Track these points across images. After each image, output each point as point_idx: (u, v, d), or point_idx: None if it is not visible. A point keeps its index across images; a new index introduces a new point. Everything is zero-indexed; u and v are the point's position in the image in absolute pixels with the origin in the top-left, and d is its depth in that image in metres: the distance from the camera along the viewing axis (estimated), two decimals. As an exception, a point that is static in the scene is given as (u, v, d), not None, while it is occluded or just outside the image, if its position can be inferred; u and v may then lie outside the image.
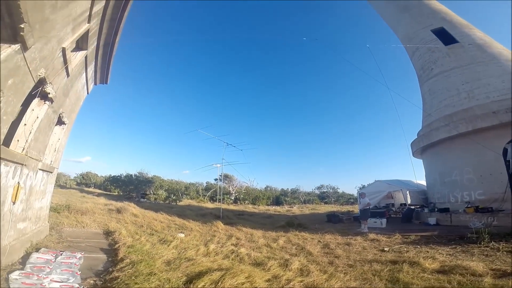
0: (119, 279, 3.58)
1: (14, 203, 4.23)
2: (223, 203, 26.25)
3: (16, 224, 4.51)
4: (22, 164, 4.33)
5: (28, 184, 4.88)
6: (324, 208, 27.98)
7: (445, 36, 14.40)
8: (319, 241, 8.06)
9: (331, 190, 46.00)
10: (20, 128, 4.52)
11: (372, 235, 8.42)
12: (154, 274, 3.74)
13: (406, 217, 13.05)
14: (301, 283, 3.97)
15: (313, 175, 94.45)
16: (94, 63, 7.39)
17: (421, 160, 15.45)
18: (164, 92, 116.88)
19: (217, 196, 30.57)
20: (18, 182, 4.31)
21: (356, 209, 21.17)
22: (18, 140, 4.45)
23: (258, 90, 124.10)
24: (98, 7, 5.31)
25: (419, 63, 15.96)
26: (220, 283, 3.51)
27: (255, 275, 4.03)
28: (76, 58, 5.81)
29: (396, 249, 6.61)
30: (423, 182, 15.65)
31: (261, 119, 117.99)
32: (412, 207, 14.07)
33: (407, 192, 14.80)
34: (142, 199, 25.88)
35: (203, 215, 14.93)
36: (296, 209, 27.20)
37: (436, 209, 11.87)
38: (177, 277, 3.74)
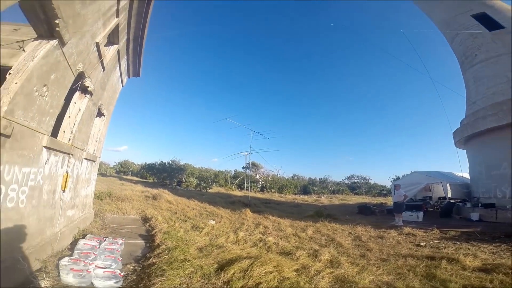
0: (156, 265, 3.79)
1: (63, 191, 4.65)
2: (250, 191, 26.68)
3: (66, 211, 4.96)
4: (69, 154, 4.72)
5: (75, 172, 5.32)
6: (354, 199, 27.18)
7: (487, 22, 13.10)
8: (350, 233, 7.86)
9: (362, 181, 44.28)
10: (65, 120, 4.93)
11: (407, 229, 7.99)
12: (188, 260, 3.91)
13: (445, 212, 12.17)
14: (331, 275, 3.90)
15: (343, 164, 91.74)
16: (126, 57, 7.73)
17: (465, 151, 14.22)
18: (194, 83, 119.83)
19: (245, 184, 31.12)
20: (67, 171, 4.71)
21: (389, 201, 20.25)
22: (64, 132, 4.86)
23: (287, 78, 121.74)
24: (125, 1, 5.48)
25: (460, 49, 14.82)
26: (249, 271, 3.56)
27: (283, 265, 4.03)
28: (110, 52, 6.11)
29: (434, 245, 6.21)
30: (466, 174, 14.40)
31: (288, 107, 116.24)
32: (453, 201, 13.05)
33: (448, 185, 13.70)
34: (178, 186, 27.05)
35: (231, 203, 15.32)
36: (324, 199, 26.76)
37: (480, 204, 10.94)
38: (209, 264, 3.88)
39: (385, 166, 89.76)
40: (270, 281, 3.37)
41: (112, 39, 6.09)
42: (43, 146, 3.56)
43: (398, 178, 29.61)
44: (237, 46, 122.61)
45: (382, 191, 37.93)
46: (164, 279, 3.22)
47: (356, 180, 44.98)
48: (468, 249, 5.68)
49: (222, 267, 3.79)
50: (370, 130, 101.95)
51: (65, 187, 4.64)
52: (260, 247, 5.51)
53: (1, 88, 2.73)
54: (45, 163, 3.74)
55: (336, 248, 5.86)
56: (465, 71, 14.41)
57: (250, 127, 18.12)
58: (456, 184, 14.01)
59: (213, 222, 8.28)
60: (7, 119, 2.62)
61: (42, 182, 3.70)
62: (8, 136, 2.68)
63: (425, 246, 6.09)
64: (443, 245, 6.15)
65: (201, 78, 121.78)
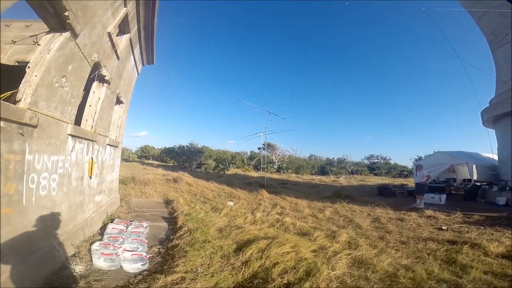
0: (178, 247, 3.99)
1: (90, 177, 4.92)
2: (267, 172, 26.94)
3: (94, 197, 5.25)
4: (93, 141, 4.94)
5: (100, 159, 5.59)
6: (373, 180, 26.71)
7: None
8: (369, 214, 7.80)
9: (382, 161, 43.01)
10: (87, 109, 5.11)
11: (428, 212, 7.80)
12: (209, 241, 4.09)
13: (470, 195, 11.66)
14: (349, 256, 3.93)
15: (362, 144, 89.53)
16: (139, 45, 7.76)
17: (493, 130, 13.39)
18: (209, 65, 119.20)
19: (261, 165, 31.43)
20: (92, 158, 4.95)
21: (410, 182, 19.70)
22: (86, 120, 5.06)
23: (302, 56, 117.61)
24: None
25: (488, 28, 13.93)
26: (266, 251, 3.66)
27: (300, 245, 4.11)
28: (122, 42, 6.15)
29: (456, 229, 6.04)
30: (494, 155, 13.57)
31: (304, 85, 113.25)
32: (478, 183, 12.44)
33: (474, 166, 12.99)
34: (198, 169, 27.78)
35: (248, 184, 15.60)
36: (343, 180, 26.54)
37: (507, 188, 10.34)
38: (228, 245, 4.04)
39: (407, 146, 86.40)
40: (287, 261, 3.45)
41: (123, 28, 6.10)
42: (68, 134, 3.73)
43: (420, 159, 28.54)
44: (251, 25, 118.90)
45: (402, 172, 36.83)
46: (186, 260, 3.40)
47: (375, 160, 43.83)
48: (492, 234, 5.48)
49: (240, 247, 3.94)
50: (392, 109, 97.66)
51: (91, 173, 4.89)
52: (277, 228, 5.62)
53: (22, 81, 2.84)
54: (71, 151, 3.93)
55: (355, 229, 5.86)
56: (495, 50, 13.63)
57: (265, 108, 17.96)
58: (483, 166, 13.29)
59: (231, 203, 8.51)
60: (32, 110, 2.75)
61: (70, 169, 3.91)
62: (34, 126, 2.82)
63: (446, 229, 5.94)
64: (465, 229, 5.97)
65: (216, 59, 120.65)
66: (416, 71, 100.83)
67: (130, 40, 6.65)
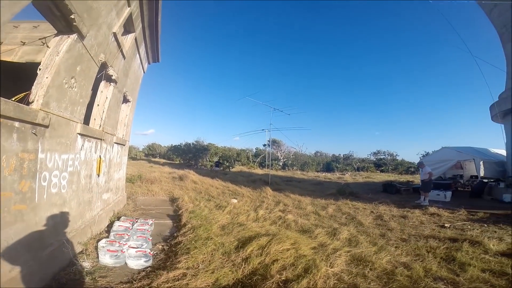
0: (182, 244, 4.12)
1: (98, 175, 5.08)
2: (272, 169, 26.99)
3: (102, 195, 5.41)
4: (101, 139, 5.10)
5: (107, 157, 5.75)
6: (380, 177, 26.50)
7: None
8: (372, 211, 7.83)
9: (388, 157, 42.57)
10: (95, 108, 5.27)
11: (432, 209, 7.79)
12: (211, 238, 4.21)
13: (476, 192, 11.52)
14: (348, 254, 3.99)
15: (369, 139, 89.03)
16: (144, 44, 7.88)
17: (502, 125, 13.12)
18: (214, 62, 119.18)
19: (266, 162, 31.51)
20: (100, 156, 5.12)
21: (416, 179, 19.50)
22: (94, 119, 5.22)
23: (308, 51, 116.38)
24: None
25: (499, 21, 13.51)
26: (266, 248, 3.76)
27: (300, 242, 4.18)
28: (127, 41, 6.27)
29: (459, 226, 6.04)
30: (502, 151, 13.32)
31: (310, 80, 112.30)
32: (485, 180, 12.26)
33: (481, 162, 12.79)
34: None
35: (253, 181, 15.70)
36: (348, 177, 26.41)
37: (515, 185, 10.19)
38: (230, 242, 4.15)
39: (414, 141, 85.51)
40: (287, 258, 3.54)
41: (128, 28, 6.21)
42: (78, 133, 3.89)
43: (427, 154, 28.18)
44: (257, 19, 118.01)
45: (409, 168, 36.42)
46: (188, 257, 3.52)
47: (382, 157, 43.43)
48: (495, 232, 5.47)
49: (242, 244, 4.04)
50: (399, 104, 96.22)
51: (99, 171, 5.05)
52: (279, 225, 5.72)
53: (34, 83, 2.98)
54: (81, 149, 4.09)
55: (356, 227, 5.92)
56: (506, 43, 13.25)
57: (270, 104, 17.91)
58: (491, 162, 13.07)
59: (235, 201, 8.64)
60: (44, 111, 2.90)
61: (80, 168, 4.07)
62: (47, 126, 2.98)
63: (449, 227, 5.94)
64: (468, 227, 5.96)
65: (222, 56, 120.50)
66: (426, 66, 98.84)
67: (135, 39, 6.77)
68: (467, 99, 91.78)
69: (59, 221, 3.40)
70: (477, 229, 5.70)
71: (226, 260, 3.56)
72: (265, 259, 3.50)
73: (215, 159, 32.86)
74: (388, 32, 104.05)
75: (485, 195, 11.26)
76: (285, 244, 3.96)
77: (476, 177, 13.17)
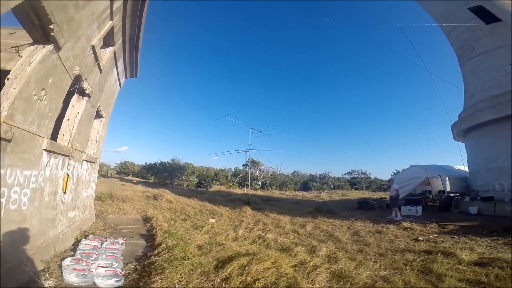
0: (156, 264, 3.87)
1: (64, 193, 4.73)
2: (251, 188, 26.78)
3: (67, 212, 5.03)
4: (69, 156, 4.79)
5: (75, 174, 5.39)
6: (354, 195, 27.26)
7: (485, 15, 13.09)
8: (349, 228, 7.94)
9: (362, 176, 44.43)
10: (64, 123, 4.98)
11: (406, 224, 8.09)
12: (188, 258, 3.98)
13: (444, 206, 12.27)
14: (328, 270, 3.96)
15: (343, 159, 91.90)
16: (122, 58, 7.77)
17: (463, 143, 14.30)
18: (191, 82, 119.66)
19: (245, 182, 31.24)
20: (67, 173, 4.78)
21: (388, 196, 20.31)
22: (63, 134, 4.92)
23: (285, 74, 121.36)
24: (118, 3, 5.51)
25: (458, 42, 14.90)
26: (247, 267, 3.62)
27: (281, 261, 4.09)
28: (106, 55, 6.15)
29: (431, 239, 6.30)
30: (464, 167, 14.46)
31: (288, 105, 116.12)
32: (452, 194, 13.13)
33: (447, 178, 13.74)
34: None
35: (232, 201, 15.40)
36: (325, 195, 26.88)
37: (478, 198, 11.03)
38: (208, 262, 3.95)
39: (386, 161, 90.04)
40: (268, 277, 3.43)
41: (108, 41, 6.12)
42: (43, 149, 3.63)
43: (398, 172, 29.69)
44: (234, 43, 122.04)
45: (382, 186, 38.12)
46: (164, 277, 3.30)
47: (356, 175, 45.17)
48: (466, 243, 5.76)
49: (221, 264, 3.87)
50: (370, 125, 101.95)
51: (66, 188, 4.70)
52: (259, 244, 5.59)
53: (0, 93, 2.78)
54: (46, 166, 3.80)
55: (335, 243, 5.94)
56: (463, 64, 14.48)
57: (249, 125, 18.14)
58: (455, 178, 14.07)
59: (213, 220, 8.36)
60: (7, 123, 2.68)
61: (43, 184, 3.76)
62: (9, 141, 2.74)
63: (422, 240, 6.17)
64: (441, 239, 6.24)
65: (199, 76, 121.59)
66: (394, 86, 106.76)
67: (114, 53, 6.66)
68: (431, 119, 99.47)
69: (18, 238, 3.11)
70: (449, 241, 5.96)
71: (205, 280, 3.36)
72: (246, 278, 3.36)
73: (192, 178, 32.01)
74: (354, 52, 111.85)
75: (452, 208, 11.99)
76: (266, 263, 3.84)
77: (443, 192, 14.03)
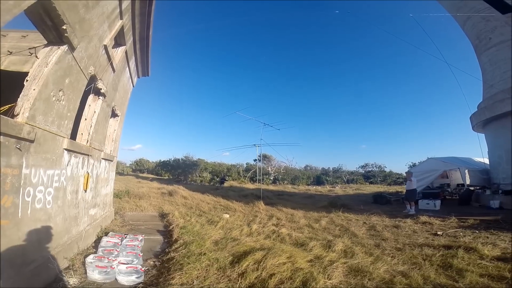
0: (174, 260, 3.96)
1: (85, 191, 4.89)
2: (263, 183, 26.81)
3: (88, 210, 5.21)
4: (88, 155, 4.94)
5: (95, 172, 5.56)
6: (369, 189, 26.77)
7: (499, 4, 12.26)
8: (365, 222, 7.81)
9: (376, 169, 43.36)
10: (82, 122, 5.14)
11: (423, 218, 7.85)
12: (204, 254, 4.05)
13: (464, 199, 11.85)
14: (345, 265, 3.93)
15: (357, 152, 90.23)
16: (134, 58, 7.90)
17: (483, 135, 13.71)
18: (203, 78, 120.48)
19: (257, 177, 31.31)
20: (87, 172, 4.94)
21: (405, 189, 19.83)
22: (82, 134, 5.08)
23: (296, 67, 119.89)
24: (126, 3, 5.58)
25: (473, 33, 14.32)
26: (262, 262, 3.65)
27: (296, 255, 4.08)
28: (118, 54, 6.26)
29: (451, 234, 6.09)
30: (485, 160, 13.86)
31: (298, 96, 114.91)
32: (472, 188, 12.64)
33: (466, 171, 13.21)
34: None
35: (245, 196, 15.49)
36: (338, 189, 26.54)
37: (500, 191, 10.54)
38: (224, 257, 4.00)
39: (401, 153, 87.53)
40: (284, 272, 3.43)
41: (119, 40, 6.22)
42: (64, 148, 3.76)
43: (414, 165, 28.87)
44: (243, 39, 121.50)
45: (398, 179, 37.07)
46: (182, 273, 3.37)
47: (370, 169, 44.13)
48: (487, 237, 5.55)
49: (237, 259, 3.91)
50: (385, 117, 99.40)
51: (86, 187, 4.87)
52: (274, 239, 5.59)
53: (20, 95, 2.88)
54: (67, 165, 3.94)
55: (350, 238, 5.86)
56: (480, 54, 13.98)
57: (260, 119, 17.99)
58: (475, 170, 13.52)
59: (227, 215, 8.45)
60: (30, 124, 2.78)
61: (66, 183, 3.91)
62: (32, 141, 2.85)
63: (442, 235, 5.99)
64: (461, 234, 6.03)
65: (210, 73, 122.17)
66: (408, 77, 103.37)
67: (126, 52, 6.77)
68: (449, 110, 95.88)
69: (43, 237, 3.24)
70: (470, 236, 5.76)
71: (222, 276, 3.41)
72: (261, 273, 3.38)
73: (205, 174, 32.36)
74: (373, 45, 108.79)
75: (473, 202, 11.56)
76: (281, 258, 3.85)
77: (463, 185, 13.53)
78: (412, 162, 32.92)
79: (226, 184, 26.78)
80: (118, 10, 5.24)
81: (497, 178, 11.89)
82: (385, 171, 42.50)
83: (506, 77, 11.67)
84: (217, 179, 29.15)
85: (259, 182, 25.49)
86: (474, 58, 14.81)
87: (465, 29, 15.26)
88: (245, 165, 42.03)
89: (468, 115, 14.21)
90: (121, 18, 5.49)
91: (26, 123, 2.72)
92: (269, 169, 38.74)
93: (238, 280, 3.27)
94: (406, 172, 12.14)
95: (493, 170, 12.70)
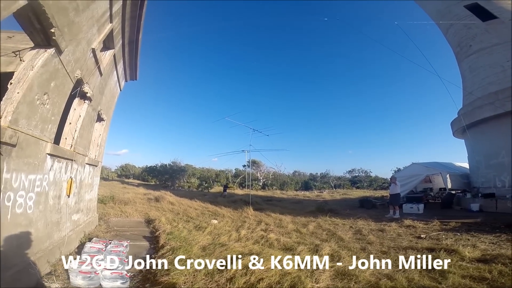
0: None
1: (68, 196, 4.76)
2: (252, 189, 26.73)
3: (71, 216, 5.07)
4: (72, 160, 4.83)
5: (78, 178, 5.43)
6: (356, 193, 27.25)
7: (480, 12, 13.15)
8: (351, 227, 7.93)
9: (363, 174, 44.43)
10: (66, 126, 5.02)
11: (408, 221, 8.06)
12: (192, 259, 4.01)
13: (446, 203, 12.26)
14: (332, 269, 3.98)
15: (344, 158, 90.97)
16: (122, 61, 7.80)
17: (463, 140, 14.33)
18: (191, 84, 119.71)
19: (246, 183, 31.23)
20: (71, 177, 4.81)
21: (390, 194, 20.31)
22: (66, 138, 4.95)
23: (284, 73, 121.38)
24: (117, 6, 5.53)
25: (455, 40, 14.95)
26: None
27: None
28: (106, 57, 6.18)
29: (434, 236, 6.29)
30: (465, 164, 14.48)
31: (286, 103, 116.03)
32: (453, 192, 13.13)
33: (447, 175, 13.76)
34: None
35: (233, 202, 15.38)
36: (326, 194, 26.86)
37: (479, 195, 10.99)
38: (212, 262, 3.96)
39: (386, 159, 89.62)
40: (272, 276, 3.45)
41: (107, 44, 6.15)
42: (47, 153, 3.66)
43: (399, 170, 29.67)
44: (233, 43, 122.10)
45: (383, 184, 37.98)
46: (169, 278, 3.32)
47: (357, 174, 45.15)
48: (468, 240, 5.74)
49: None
50: (370, 123, 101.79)
51: (69, 192, 4.74)
52: (262, 244, 5.59)
53: (3, 98, 2.81)
54: (50, 170, 3.84)
55: (337, 242, 5.93)
56: (461, 61, 14.53)
57: (249, 125, 18.04)
58: (456, 175, 14.09)
59: (215, 221, 8.38)
60: (12, 128, 2.71)
61: (48, 188, 3.79)
62: (14, 145, 2.77)
63: (425, 238, 6.17)
64: (443, 236, 6.23)
65: (199, 77, 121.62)
66: (391, 84, 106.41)
67: (114, 55, 6.69)
68: (431, 116, 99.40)
69: (24, 242, 3.14)
70: (451, 238, 5.95)
71: (210, 281, 3.39)
72: (250, 278, 3.39)
73: (193, 180, 31.97)
74: (353, 50, 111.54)
75: (454, 205, 11.97)
76: (269, 263, 3.86)
77: (445, 189, 14.04)
78: (397, 167, 33.88)
79: (214, 189, 26.50)
80: (109, 13, 5.19)
81: (477, 182, 12.41)
82: (371, 176, 43.58)
83: (485, 84, 12.21)
84: (209, 185, 29.30)
85: (248, 188, 25.41)
86: (455, 65, 15.38)
87: (447, 36, 15.83)
88: (234, 171, 41.92)
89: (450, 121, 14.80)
90: (111, 22, 5.44)
91: (8, 127, 2.65)
92: (258, 174, 38.78)
93: (227, 285, 3.26)
94: (391, 177, 12.47)
95: (472, 175, 13.24)
